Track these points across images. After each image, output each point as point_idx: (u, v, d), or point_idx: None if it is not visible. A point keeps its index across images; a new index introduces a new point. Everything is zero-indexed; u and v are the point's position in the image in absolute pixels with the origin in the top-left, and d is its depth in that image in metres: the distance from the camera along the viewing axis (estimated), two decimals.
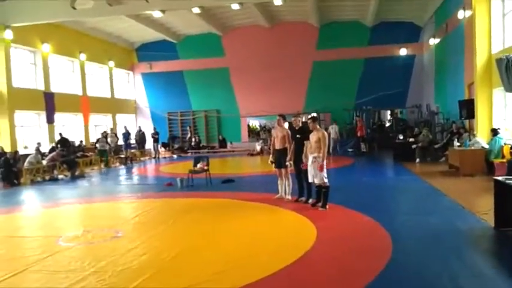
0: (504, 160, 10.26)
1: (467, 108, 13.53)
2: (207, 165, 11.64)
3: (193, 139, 24.45)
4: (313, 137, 7.68)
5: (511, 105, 12.14)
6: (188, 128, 24.92)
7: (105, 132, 20.25)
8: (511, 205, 5.68)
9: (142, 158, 21.62)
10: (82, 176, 15.23)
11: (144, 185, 12.27)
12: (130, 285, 4.41)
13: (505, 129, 12.12)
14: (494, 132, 11.27)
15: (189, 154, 23.12)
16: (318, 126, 7.86)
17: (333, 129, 19.84)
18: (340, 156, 18.33)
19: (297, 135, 8.20)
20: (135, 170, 17.14)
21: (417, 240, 5.58)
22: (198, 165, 11.74)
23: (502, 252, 5.15)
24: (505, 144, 11.15)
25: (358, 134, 19.33)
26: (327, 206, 7.58)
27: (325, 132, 7.74)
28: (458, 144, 12.40)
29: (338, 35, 23.00)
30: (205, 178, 11.36)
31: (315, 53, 23.50)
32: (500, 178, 5.99)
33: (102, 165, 18.09)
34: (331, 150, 18.56)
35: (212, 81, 24.68)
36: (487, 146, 11.41)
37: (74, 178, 14.69)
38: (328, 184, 7.59)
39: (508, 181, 5.64)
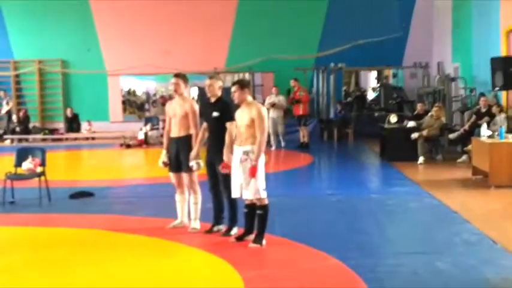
0: None
1: (505, 71, 14.33)
2: (42, 164, 11.33)
3: (15, 115, 23.72)
4: (242, 116, 7.70)
5: None
6: (2, 93, 24.14)
7: None
8: None
9: None
10: None
11: None
12: None
13: None
14: None
15: (8, 143, 22.46)
16: (251, 98, 7.89)
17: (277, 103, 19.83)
18: (287, 151, 18.69)
19: (213, 113, 8.19)
20: None
21: None
22: (25, 165, 11.38)
23: None
24: None
25: (297, 113, 19.59)
26: (264, 241, 7.68)
27: (263, 109, 7.79)
28: (488, 133, 13.06)
29: None
30: (38, 188, 11.04)
31: None
32: None
33: None
34: (271, 140, 18.78)
35: (54, 8, 24.15)
36: None
37: None
38: (266, 202, 7.69)
39: None
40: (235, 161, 7.73)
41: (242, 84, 7.90)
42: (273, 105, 18.76)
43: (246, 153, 7.61)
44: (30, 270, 7.07)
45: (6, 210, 10.49)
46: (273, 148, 18.80)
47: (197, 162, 8.33)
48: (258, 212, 7.68)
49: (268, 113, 18.45)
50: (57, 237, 8.60)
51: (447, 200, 10.45)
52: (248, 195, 7.67)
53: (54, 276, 6.82)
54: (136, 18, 23.98)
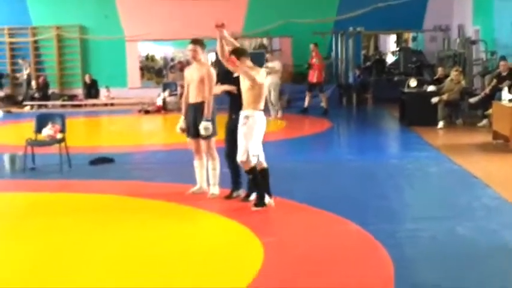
0: None
1: None
2: (62, 131, 11.38)
3: (34, 81, 23.82)
4: (245, 81, 7.73)
5: None
6: (21, 60, 24.24)
7: None
8: None
9: None
10: None
11: None
12: None
13: None
14: None
15: (28, 109, 22.57)
16: (251, 63, 7.90)
17: (272, 69, 19.05)
18: (305, 116, 18.68)
19: (234, 76, 8.17)
20: None
21: (440, 266, 5.82)
22: (45, 131, 11.44)
23: None
24: None
25: (311, 79, 19.26)
26: (268, 201, 7.76)
27: (262, 71, 7.88)
28: (509, 97, 12.94)
29: None
30: (59, 155, 11.12)
31: None
32: None
33: None
34: (275, 106, 18.33)
35: None
36: None
37: None
38: (253, 164, 7.68)
39: None
40: (239, 125, 7.78)
41: (239, 55, 7.81)
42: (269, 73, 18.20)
43: (247, 117, 7.67)
44: (50, 236, 7.16)
45: (27, 176, 10.58)
46: (279, 115, 18.06)
47: (205, 127, 8.27)
48: (250, 176, 7.79)
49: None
50: (78, 203, 8.69)
51: (467, 165, 10.41)
52: (239, 157, 7.73)
53: (74, 241, 6.90)
54: None
